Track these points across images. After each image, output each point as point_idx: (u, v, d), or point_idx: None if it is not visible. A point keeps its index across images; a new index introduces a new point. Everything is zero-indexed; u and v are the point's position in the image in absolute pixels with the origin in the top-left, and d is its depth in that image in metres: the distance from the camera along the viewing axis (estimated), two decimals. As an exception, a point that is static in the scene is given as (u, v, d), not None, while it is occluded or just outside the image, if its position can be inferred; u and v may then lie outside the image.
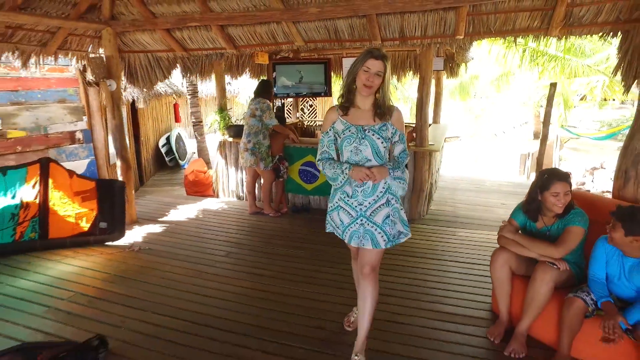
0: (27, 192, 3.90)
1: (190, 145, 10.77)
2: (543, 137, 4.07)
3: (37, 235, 4.08)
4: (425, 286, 3.33)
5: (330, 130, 2.26)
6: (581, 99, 13.45)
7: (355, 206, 2.23)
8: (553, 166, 9.32)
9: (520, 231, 2.71)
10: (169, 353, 2.53)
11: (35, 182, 3.91)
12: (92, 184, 4.16)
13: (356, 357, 2.30)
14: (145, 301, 3.15)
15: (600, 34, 3.48)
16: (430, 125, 6.67)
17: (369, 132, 2.17)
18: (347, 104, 2.23)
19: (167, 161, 9.83)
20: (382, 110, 2.18)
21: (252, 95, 5.01)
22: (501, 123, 15.55)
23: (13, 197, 3.81)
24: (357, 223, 2.23)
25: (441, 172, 7.57)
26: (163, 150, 9.79)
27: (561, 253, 2.44)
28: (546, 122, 3.93)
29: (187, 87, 8.68)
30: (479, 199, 6.02)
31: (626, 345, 2.20)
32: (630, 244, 2.15)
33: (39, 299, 3.20)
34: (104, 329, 2.72)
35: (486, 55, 9.40)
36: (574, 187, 3.08)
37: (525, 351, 2.47)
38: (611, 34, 3.46)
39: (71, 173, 4.09)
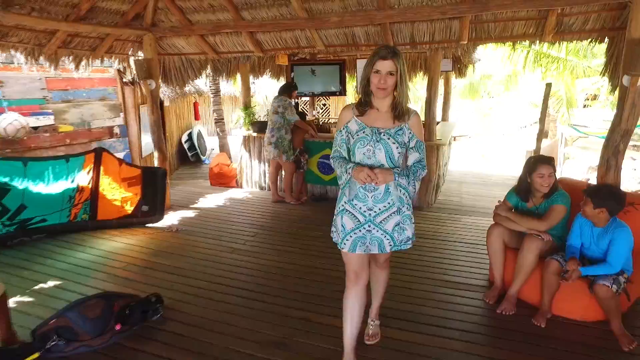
0: (83, 178, 4.46)
1: (210, 142, 11.36)
2: (539, 134, 4.49)
3: (88, 216, 4.64)
4: (432, 261, 3.81)
5: (343, 129, 2.15)
6: (593, 99, 13.70)
7: (364, 211, 2.11)
8: (558, 164, 9.70)
9: (513, 210, 3.17)
10: (211, 307, 3.04)
11: (90, 169, 4.47)
12: (138, 171, 4.72)
13: (372, 323, 2.58)
14: (186, 270, 3.67)
15: (589, 39, 3.92)
16: (439, 122, 7.14)
17: (384, 135, 2.05)
18: (365, 105, 2.12)
19: (189, 156, 10.40)
20: (400, 110, 2.06)
21: (276, 94, 5.52)
22: (510, 122, 15.85)
23: (72, 182, 4.37)
24: (363, 229, 2.12)
25: (450, 167, 8.01)
26: (186, 145, 10.37)
27: (545, 227, 2.90)
28: (542, 119, 4.35)
29: (210, 87, 9.23)
30: (483, 191, 6.46)
31: (589, 301, 2.68)
32: (597, 215, 2.61)
33: (98, 267, 3.76)
34: (157, 290, 3.23)
35: (494, 56, 9.77)
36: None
37: (514, 310, 2.93)
38: (599, 39, 3.90)
39: (120, 161, 4.65)
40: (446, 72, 7.26)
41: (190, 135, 10.62)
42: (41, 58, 4.43)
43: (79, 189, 4.47)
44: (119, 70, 6.19)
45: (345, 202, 2.17)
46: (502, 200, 3.24)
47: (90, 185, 4.53)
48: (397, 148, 2.06)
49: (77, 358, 2.50)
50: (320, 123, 8.39)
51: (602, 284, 2.56)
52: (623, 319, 2.65)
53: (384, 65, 1.98)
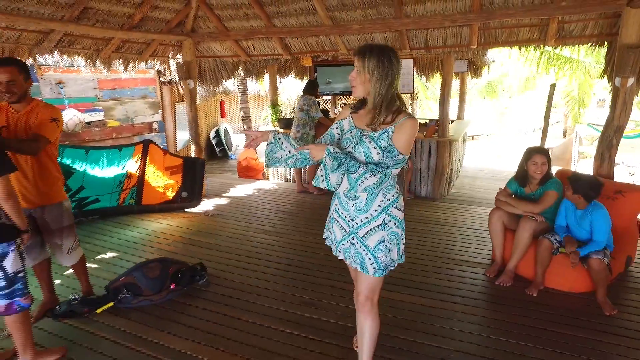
0: (132, 166, 5.06)
1: (234, 139, 11.97)
2: (543, 132, 4.86)
3: (134, 201, 5.25)
4: (442, 242, 4.25)
5: (338, 124, 2.04)
6: (604, 101, 13.77)
7: (348, 221, 1.98)
8: (572, 162, 9.94)
9: (513, 196, 3.59)
10: (248, 275, 3.57)
11: (138, 159, 5.07)
12: (180, 161, 5.30)
13: None
14: (224, 246, 4.21)
15: (589, 44, 4.29)
16: (454, 120, 7.53)
17: (366, 137, 1.88)
18: (358, 106, 2.01)
19: (217, 151, 11.03)
20: (379, 112, 1.85)
21: (301, 93, 6.03)
22: (527, 122, 16.01)
23: (122, 168, 4.97)
24: (348, 240, 2.00)
25: (465, 164, 8.38)
26: (214, 141, 11.00)
27: (539, 209, 3.31)
28: (547, 117, 4.71)
29: (238, 86, 9.81)
30: (495, 185, 6.76)
31: (577, 274, 3.09)
32: (577, 199, 3.03)
33: (147, 243, 4.34)
34: (200, 262, 3.78)
35: (511, 56, 10.05)
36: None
37: (511, 282, 3.35)
38: (598, 44, 4.26)
39: (165, 152, 5.24)
40: (461, 72, 7.63)
41: (217, 131, 11.24)
42: (97, 61, 5.04)
43: (128, 176, 5.07)
44: (158, 71, 6.81)
45: (333, 211, 2.09)
46: (502, 188, 3.66)
47: (137, 173, 5.13)
48: (378, 153, 1.85)
49: (141, 309, 3.05)
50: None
51: (596, 257, 2.96)
52: (606, 291, 3.05)
53: (355, 62, 1.87)
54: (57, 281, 3.26)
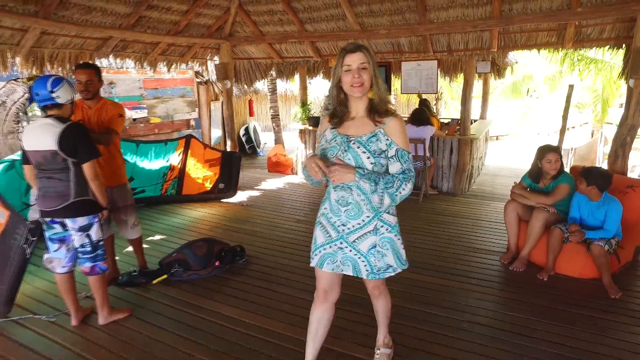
0: (174, 158, 5.54)
1: (262, 136, 12.46)
2: (561, 131, 5.07)
3: (175, 192, 5.73)
4: (461, 233, 4.54)
5: (322, 137, 1.97)
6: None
7: (338, 226, 1.91)
8: (597, 162, 9.95)
9: (527, 189, 3.86)
10: (284, 257, 3.97)
11: (180, 152, 5.55)
12: (218, 154, 5.76)
13: (377, 352, 2.36)
14: (260, 232, 4.63)
15: (607, 46, 4.50)
16: (477, 120, 7.76)
17: (354, 143, 1.81)
18: (339, 116, 1.89)
19: (246, 148, 11.52)
20: (380, 112, 1.82)
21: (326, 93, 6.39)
22: (552, 122, 15.91)
23: (167, 161, 5.46)
24: (334, 245, 1.92)
25: (486, 162, 8.58)
26: (243, 139, 11.50)
27: (551, 201, 3.58)
28: (564, 117, 4.92)
29: (268, 86, 10.27)
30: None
31: (586, 261, 3.35)
32: (590, 191, 3.29)
33: (190, 228, 4.80)
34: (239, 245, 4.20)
35: (535, 57, 10.12)
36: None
37: (524, 268, 3.63)
38: (616, 46, 4.47)
39: (205, 145, 5.71)
40: (485, 73, 7.84)
41: (247, 129, 11.74)
42: (145, 63, 5.55)
43: (171, 168, 5.56)
44: (196, 72, 7.31)
45: (321, 215, 1.99)
46: (517, 182, 3.94)
47: (179, 166, 5.61)
48: (369, 158, 1.79)
49: (190, 281, 3.49)
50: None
51: (596, 244, 3.23)
52: (614, 279, 3.30)
53: (354, 59, 1.74)
54: (116, 257, 3.73)
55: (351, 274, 1.93)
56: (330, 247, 1.94)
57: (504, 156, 12.21)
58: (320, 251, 1.97)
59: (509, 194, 3.92)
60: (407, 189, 1.78)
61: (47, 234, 2.58)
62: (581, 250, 3.41)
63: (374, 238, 1.89)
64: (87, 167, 2.44)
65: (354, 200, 1.85)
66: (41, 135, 2.39)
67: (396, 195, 1.77)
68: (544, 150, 3.64)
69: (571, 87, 4.80)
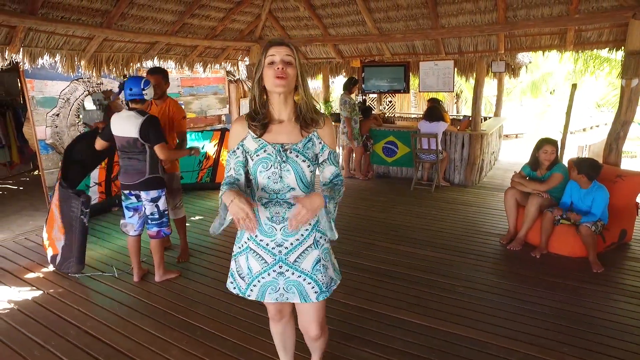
0: (210, 148, 6.17)
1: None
2: (564, 128, 5.42)
3: (209, 179, 6.36)
4: (466, 218, 5.01)
5: (237, 148, 1.66)
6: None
7: (272, 248, 1.68)
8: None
9: (526, 178, 4.30)
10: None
11: (215, 143, 6.18)
12: (248, 147, 6.35)
13: None
14: (286, 215, 5.20)
15: (606, 48, 4.87)
16: (490, 117, 8.15)
17: (291, 152, 1.60)
18: (261, 119, 1.61)
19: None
20: (307, 116, 1.62)
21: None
22: (573, 121, 15.90)
23: (202, 149, 6.09)
24: (272, 271, 1.70)
25: (500, 158, 8.94)
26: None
27: (545, 188, 4.02)
28: (568, 114, 5.27)
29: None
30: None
31: (575, 242, 3.78)
32: (580, 179, 3.73)
33: (225, 211, 5.41)
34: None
35: (546, 57, 10.35)
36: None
37: (520, 247, 4.08)
38: (614, 48, 4.84)
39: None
40: (499, 73, 8.18)
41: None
42: (184, 64, 6.20)
43: (207, 157, 6.19)
44: (227, 72, 7.94)
45: (247, 239, 1.72)
46: (517, 171, 4.39)
47: (214, 156, 6.25)
48: (309, 166, 1.63)
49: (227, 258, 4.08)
50: (386, 116, 9.70)
51: (585, 225, 3.66)
52: (600, 257, 3.72)
53: (280, 50, 1.56)
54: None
55: (298, 301, 1.73)
56: (269, 274, 1.71)
57: (520, 153, 12.43)
58: (258, 281, 1.72)
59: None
60: (343, 190, 1.73)
61: (124, 203, 3.22)
62: (571, 232, 3.85)
63: (317, 252, 1.71)
64: (157, 149, 3.05)
65: (291, 215, 1.61)
66: (126, 125, 3.01)
67: (336, 202, 1.68)
68: (542, 142, 4.08)
69: (574, 86, 5.15)
